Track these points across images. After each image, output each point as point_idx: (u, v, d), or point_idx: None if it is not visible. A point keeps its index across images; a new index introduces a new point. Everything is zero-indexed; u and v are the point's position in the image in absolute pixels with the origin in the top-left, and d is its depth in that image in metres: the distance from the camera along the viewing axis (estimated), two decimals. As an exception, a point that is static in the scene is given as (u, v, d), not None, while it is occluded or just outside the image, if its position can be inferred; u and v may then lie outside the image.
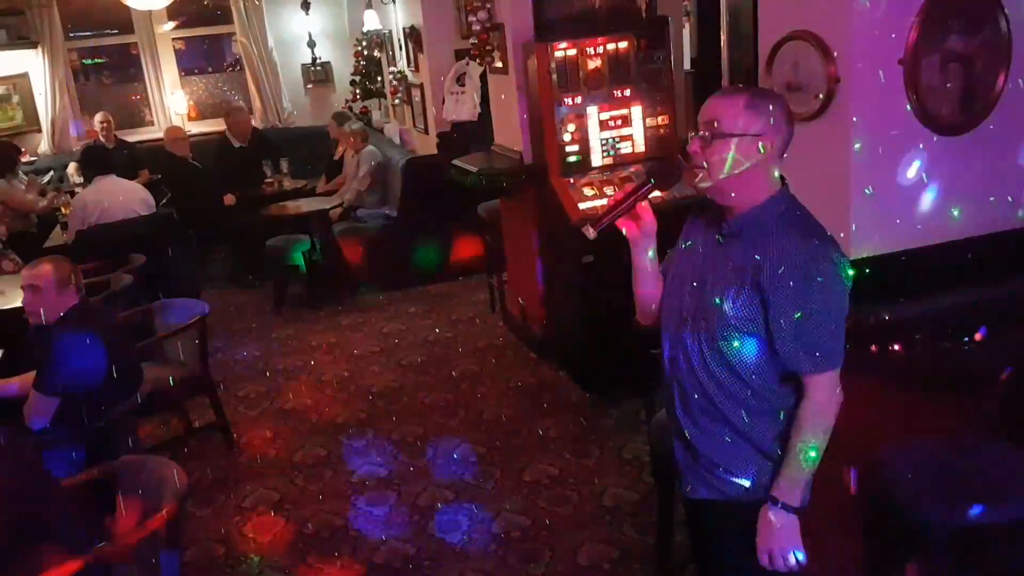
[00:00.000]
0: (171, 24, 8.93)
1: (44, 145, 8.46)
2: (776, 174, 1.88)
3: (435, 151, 6.58)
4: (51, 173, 7.78)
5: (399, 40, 7.31)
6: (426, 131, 6.93)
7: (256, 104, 9.10)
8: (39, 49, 8.22)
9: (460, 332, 5.64)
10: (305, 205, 6.64)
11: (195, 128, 8.86)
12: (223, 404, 4.47)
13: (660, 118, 4.45)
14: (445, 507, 3.66)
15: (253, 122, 8.22)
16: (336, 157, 7.52)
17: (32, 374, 3.22)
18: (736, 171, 1.81)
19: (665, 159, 3.63)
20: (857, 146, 2.45)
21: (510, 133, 4.94)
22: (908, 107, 2.46)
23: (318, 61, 9.16)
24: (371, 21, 7.73)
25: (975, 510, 2.17)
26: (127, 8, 7.71)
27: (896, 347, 2.36)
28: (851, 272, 1.84)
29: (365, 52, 8.27)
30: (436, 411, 4.55)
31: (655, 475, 3.07)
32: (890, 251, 2.53)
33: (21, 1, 8.08)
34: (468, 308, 6.06)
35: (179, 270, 6.07)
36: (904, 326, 2.39)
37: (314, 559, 3.41)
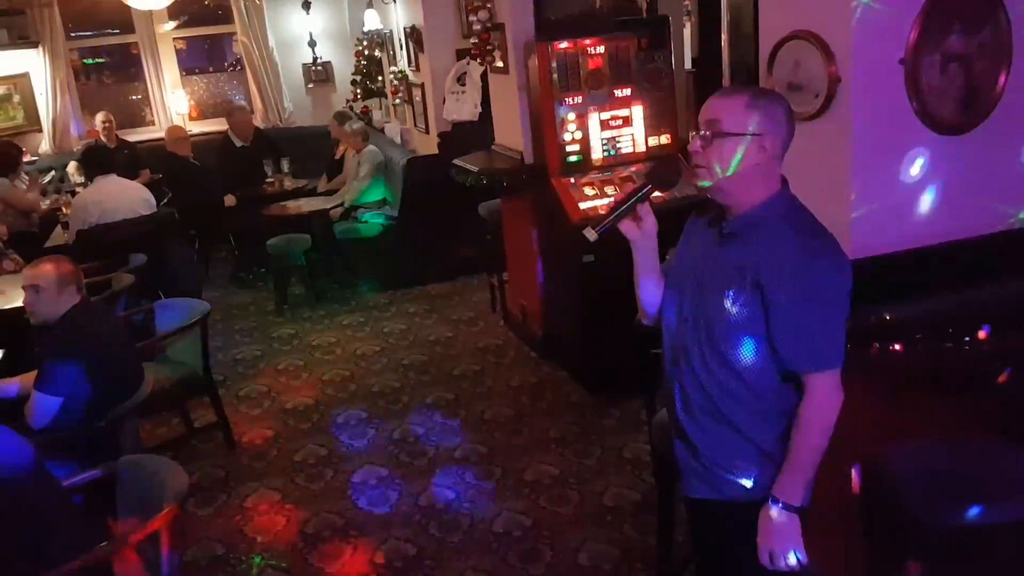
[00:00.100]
0: (172, 24, 8.93)
1: (45, 145, 8.45)
2: (777, 174, 1.88)
3: (436, 151, 6.58)
4: (52, 173, 7.76)
5: (400, 40, 7.30)
6: (427, 131, 6.93)
7: (257, 104, 9.10)
8: (40, 49, 8.21)
9: (461, 332, 5.65)
10: (306, 205, 6.66)
11: (196, 128, 8.85)
12: (224, 404, 4.47)
13: (661, 118, 4.45)
14: (446, 507, 3.67)
15: (254, 122, 8.22)
16: (337, 157, 7.52)
17: (33, 374, 3.22)
18: (737, 171, 1.81)
19: (666, 159, 3.64)
20: (857, 146, 2.45)
21: (511, 133, 4.94)
22: (909, 107, 2.46)
23: (319, 61, 9.15)
24: (372, 21, 7.72)
25: (975, 510, 2.17)
26: (128, 8, 7.71)
27: (896, 347, 2.36)
28: (851, 272, 1.84)
29: (366, 52, 8.28)
30: (437, 411, 4.56)
31: (656, 475, 3.07)
32: (890, 251, 2.53)
33: (22, 1, 8.07)
34: (469, 308, 6.07)
35: (180, 270, 6.07)
36: (904, 326, 2.39)
37: (315, 559, 3.41)
